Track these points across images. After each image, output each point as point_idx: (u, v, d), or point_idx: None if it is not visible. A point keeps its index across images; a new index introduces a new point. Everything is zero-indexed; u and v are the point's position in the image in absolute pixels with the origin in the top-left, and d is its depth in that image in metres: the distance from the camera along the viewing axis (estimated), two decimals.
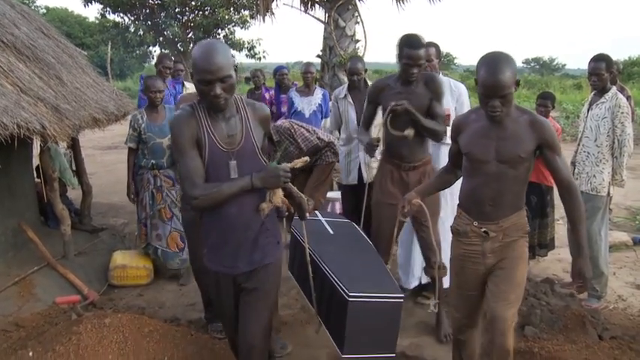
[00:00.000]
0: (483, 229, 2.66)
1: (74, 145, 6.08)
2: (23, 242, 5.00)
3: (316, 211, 3.62)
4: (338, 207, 6.10)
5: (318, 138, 5.08)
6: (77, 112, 4.61)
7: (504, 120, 2.54)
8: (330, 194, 5.93)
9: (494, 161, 2.58)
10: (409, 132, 3.49)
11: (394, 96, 3.56)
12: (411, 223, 3.84)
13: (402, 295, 2.71)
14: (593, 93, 4.44)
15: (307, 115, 6.21)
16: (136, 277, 4.90)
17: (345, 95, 4.89)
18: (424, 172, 3.72)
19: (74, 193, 6.54)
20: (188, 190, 2.29)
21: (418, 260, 4.38)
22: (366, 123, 3.94)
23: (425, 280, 4.43)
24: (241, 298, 2.56)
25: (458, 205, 2.83)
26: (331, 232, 3.50)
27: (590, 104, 4.39)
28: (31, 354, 3.15)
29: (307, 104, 6.30)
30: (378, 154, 3.94)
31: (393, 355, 2.67)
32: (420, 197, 2.98)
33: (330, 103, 5.82)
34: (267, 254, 2.53)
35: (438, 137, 3.63)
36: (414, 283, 4.53)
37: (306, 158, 2.48)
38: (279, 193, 2.40)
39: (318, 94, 6.45)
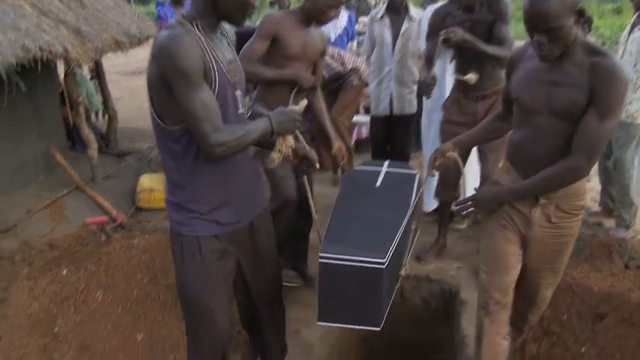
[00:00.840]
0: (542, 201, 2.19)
1: (98, 70, 6.05)
2: (53, 166, 5.09)
3: (387, 161, 3.25)
4: (364, 131, 6.05)
5: (342, 64, 4.95)
6: (99, 35, 4.55)
7: (562, 61, 2.01)
8: (356, 118, 5.86)
9: (545, 112, 2.08)
10: (471, 76, 3.24)
11: (456, 25, 3.24)
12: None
13: (382, 261, 2.24)
14: (636, 15, 4.18)
15: (333, 39, 6.04)
16: (163, 200, 4.94)
17: (382, 17, 4.54)
18: (495, 102, 3.39)
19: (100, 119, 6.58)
20: (211, 135, 1.81)
21: None
22: (429, 59, 3.48)
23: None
24: (248, 264, 2.30)
25: (506, 157, 2.38)
26: (378, 184, 3.08)
27: (632, 27, 4.15)
28: (64, 272, 3.26)
29: (333, 27, 6.11)
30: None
31: (378, 329, 2.29)
32: (459, 149, 2.51)
33: (359, 26, 5.63)
34: (261, 200, 2.34)
35: (504, 65, 3.19)
36: (433, 206, 4.51)
37: (305, 101, 2.17)
38: (290, 140, 2.08)
39: (344, 16, 6.23)
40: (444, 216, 4.03)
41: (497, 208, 2.29)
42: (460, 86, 3.52)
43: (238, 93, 2.04)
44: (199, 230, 2.06)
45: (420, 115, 4.92)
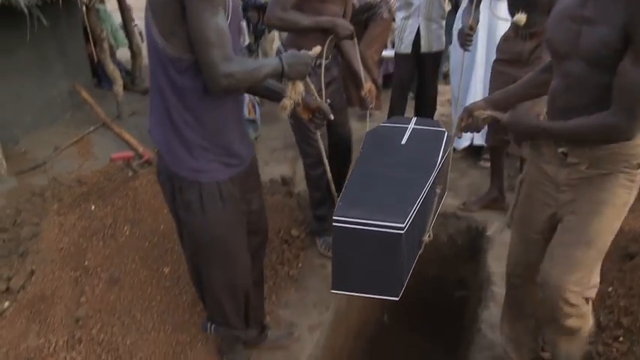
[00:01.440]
0: (561, 150, 1.83)
1: (121, 5, 5.95)
2: (79, 104, 5.11)
3: (414, 118, 2.97)
4: (392, 67, 5.89)
5: None
6: None
7: None
8: (384, 52, 5.69)
9: (574, 57, 1.70)
10: (519, 16, 2.90)
11: None
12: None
13: (401, 226, 2.00)
14: None
15: None
16: None
17: None
18: (542, 42, 3.02)
19: (125, 56, 6.53)
20: (220, 65, 1.64)
21: None
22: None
23: (478, 141, 4.30)
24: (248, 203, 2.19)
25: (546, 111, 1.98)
26: (403, 141, 2.77)
27: None
28: (93, 208, 3.31)
29: None
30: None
31: (396, 299, 2.11)
32: (492, 107, 2.06)
33: None
34: (250, 142, 2.21)
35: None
36: (464, 144, 4.41)
37: (318, 47, 2.02)
38: (300, 87, 1.91)
39: None
40: (496, 165, 3.66)
41: (525, 139, 1.99)
42: (512, 24, 3.30)
43: (243, 23, 1.92)
44: (218, 175, 1.95)
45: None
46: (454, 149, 4.53)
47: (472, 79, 4.14)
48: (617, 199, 1.78)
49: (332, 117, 2.20)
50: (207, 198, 1.95)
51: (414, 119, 3.06)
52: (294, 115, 2.27)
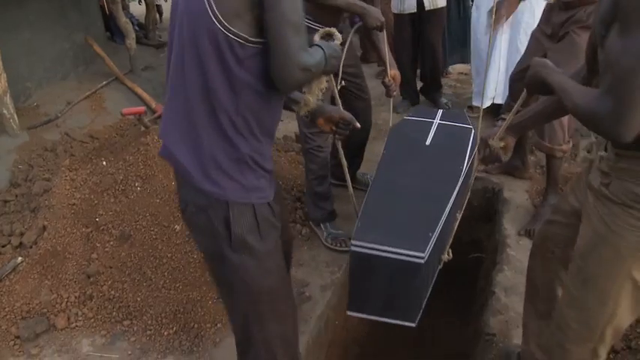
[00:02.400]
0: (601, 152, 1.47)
1: None
2: (91, 57, 5.04)
3: (440, 110, 2.88)
4: None
5: None
6: None
7: None
8: None
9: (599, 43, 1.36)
10: None
11: None
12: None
13: (422, 256, 1.92)
14: None
15: None
16: None
17: None
18: (575, 15, 2.81)
19: (137, 10, 6.42)
20: (300, 54, 1.36)
21: (493, 79, 4.11)
22: None
23: (499, 100, 4.19)
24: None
25: None
26: (428, 142, 2.67)
27: None
28: (104, 163, 3.28)
29: None
30: None
31: (413, 325, 2.03)
32: (512, 135, 1.83)
33: None
34: None
35: None
36: (486, 104, 4.29)
37: (340, 35, 1.76)
38: (324, 82, 1.67)
39: None
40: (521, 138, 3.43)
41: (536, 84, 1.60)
42: None
43: None
44: (269, 194, 1.59)
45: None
46: (474, 107, 4.45)
47: (494, 58, 4.07)
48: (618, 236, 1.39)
49: (358, 125, 1.89)
50: (264, 225, 1.56)
51: (440, 112, 2.97)
52: (303, 122, 2.12)
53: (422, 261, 1.91)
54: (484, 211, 3.62)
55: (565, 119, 2.89)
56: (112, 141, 3.69)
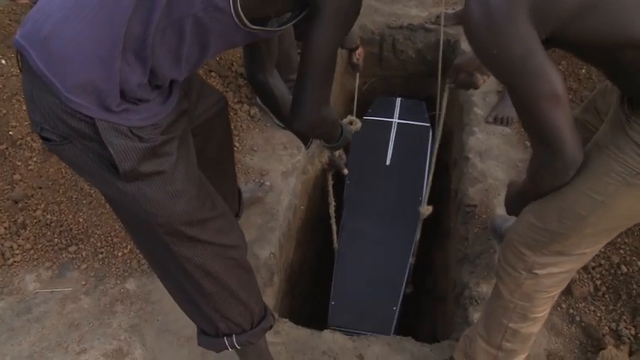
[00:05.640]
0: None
1: None
2: None
3: (398, 101, 3.22)
4: None
5: None
6: None
7: None
8: None
9: None
10: None
11: None
12: None
13: (390, 332, 2.35)
14: None
15: None
16: None
17: None
18: None
19: None
20: (319, 106, 1.31)
21: None
22: None
23: None
24: None
25: None
26: (388, 161, 2.96)
27: None
28: (4, 62, 2.76)
29: None
30: None
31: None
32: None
33: None
34: None
35: None
36: None
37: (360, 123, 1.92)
38: (325, 156, 1.90)
39: None
40: None
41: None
42: None
43: None
44: None
45: None
46: None
47: None
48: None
49: (346, 171, 2.01)
50: None
51: (398, 105, 3.28)
52: None
53: (390, 333, 2.31)
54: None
55: None
56: (6, 32, 3.09)
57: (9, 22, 3.26)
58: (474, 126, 2.63)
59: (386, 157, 2.98)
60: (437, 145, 2.14)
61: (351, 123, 1.84)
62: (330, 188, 2.16)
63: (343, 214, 2.75)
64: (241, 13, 1.13)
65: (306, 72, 1.24)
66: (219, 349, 1.57)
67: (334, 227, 2.47)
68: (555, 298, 1.43)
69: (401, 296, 2.45)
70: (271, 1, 1.19)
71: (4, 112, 2.51)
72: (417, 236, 2.50)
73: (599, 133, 1.19)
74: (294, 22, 1.28)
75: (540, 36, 0.97)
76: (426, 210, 2.32)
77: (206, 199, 1.32)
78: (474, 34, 1.00)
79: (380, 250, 2.61)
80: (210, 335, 1.54)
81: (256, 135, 2.79)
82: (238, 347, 1.55)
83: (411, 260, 2.55)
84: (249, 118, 2.85)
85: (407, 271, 2.53)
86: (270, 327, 1.63)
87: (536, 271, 1.30)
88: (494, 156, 2.46)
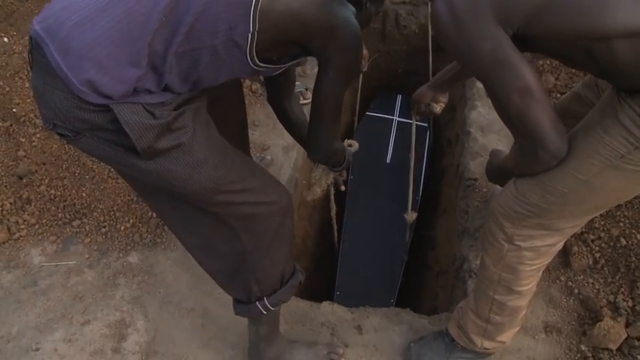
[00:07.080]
0: None
1: None
2: None
3: (399, 97, 3.41)
4: None
5: None
6: None
7: None
8: None
9: None
10: None
11: None
12: None
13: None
14: None
15: None
16: None
17: None
18: None
19: None
20: (330, 142, 1.58)
21: None
22: None
23: None
24: None
25: None
26: (389, 159, 3.16)
27: None
28: (6, 40, 2.77)
29: None
30: None
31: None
32: (435, 90, 1.92)
33: None
34: None
35: None
36: None
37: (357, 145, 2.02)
38: (330, 178, 1.93)
39: None
40: None
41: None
42: None
43: None
44: None
45: None
46: None
47: None
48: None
49: (343, 188, 2.19)
50: None
51: (399, 102, 3.40)
52: None
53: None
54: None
55: None
56: (8, 10, 3.10)
57: (11, 1, 3.27)
58: (476, 100, 2.61)
59: (386, 154, 3.17)
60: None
61: (350, 145, 1.97)
62: (332, 197, 2.31)
63: (346, 206, 2.95)
64: (254, 53, 1.21)
65: (319, 114, 1.43)
66: (255, 314, 1.60)
67: (335, 227, 2.61)
68: (540, 273, 1.44)
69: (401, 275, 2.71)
70: (280, 46, 1.29)
71: (8, 89, 2.53)
72: (409, 238, 2.81)
73: (589, 115, 1.19)
74: (293, 62, 1.40)
75: (507, 32, 1.01)
76: (411, 217, 2.65)
77: (232, 163, 1.35)
78: (444, 33, 1.05)
79: (380, 234, 2.88)
80: (243, 302, 1.58)
81: (258, 110, 2.80)
82: (272, 309, 1.58)
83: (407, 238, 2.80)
84: (250, 93, 2.85)
85: (406, 247, 2.81)
86: (300, 283, 1.64)
87: (517, 243, 1.32)
88: (495, 130, 2.46)
